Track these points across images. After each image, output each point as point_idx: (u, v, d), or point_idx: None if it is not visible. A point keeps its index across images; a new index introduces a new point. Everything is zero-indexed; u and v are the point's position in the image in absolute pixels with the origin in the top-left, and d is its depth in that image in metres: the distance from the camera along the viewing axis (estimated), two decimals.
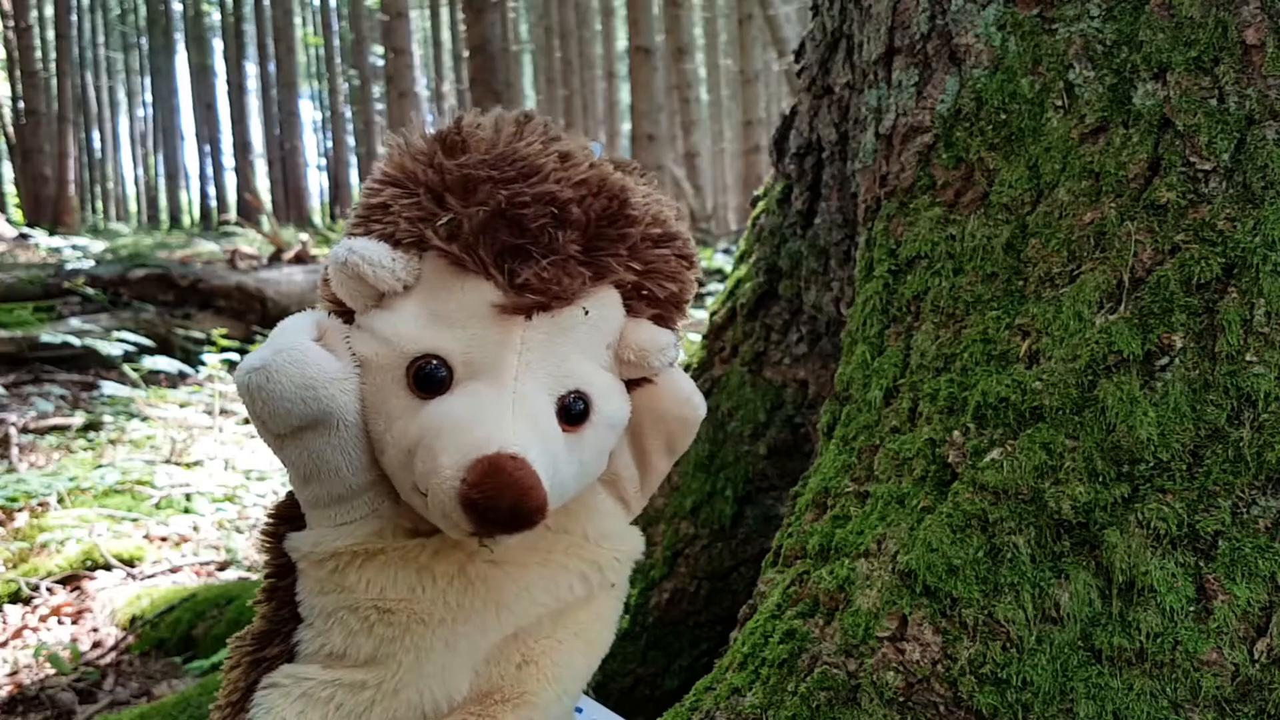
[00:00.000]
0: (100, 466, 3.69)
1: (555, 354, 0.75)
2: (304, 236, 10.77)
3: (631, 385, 0.83)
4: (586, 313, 0.76)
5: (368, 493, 0.77)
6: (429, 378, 0.72)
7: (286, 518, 0.82)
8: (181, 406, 4.43)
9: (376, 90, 22.48)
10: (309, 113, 36.96)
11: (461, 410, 0.71)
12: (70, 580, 2.72)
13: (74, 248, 7.86)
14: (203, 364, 4.52)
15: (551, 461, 0.71)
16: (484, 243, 0.72)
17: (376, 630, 0.77)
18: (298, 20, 30.18)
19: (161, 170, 33.28)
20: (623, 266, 0.77)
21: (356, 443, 0.75)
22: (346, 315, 0.78)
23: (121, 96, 39.93)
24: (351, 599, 0.77)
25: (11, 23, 16.20)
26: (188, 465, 3.78)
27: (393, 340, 0.73)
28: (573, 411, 0.76)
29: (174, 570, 2.79)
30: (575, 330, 0.76)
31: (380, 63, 20.00)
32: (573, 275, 0.74)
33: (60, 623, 2.53)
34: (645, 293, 0.80)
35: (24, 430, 4.39)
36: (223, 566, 2.83)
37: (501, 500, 0.66)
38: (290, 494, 0.83)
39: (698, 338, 1.80)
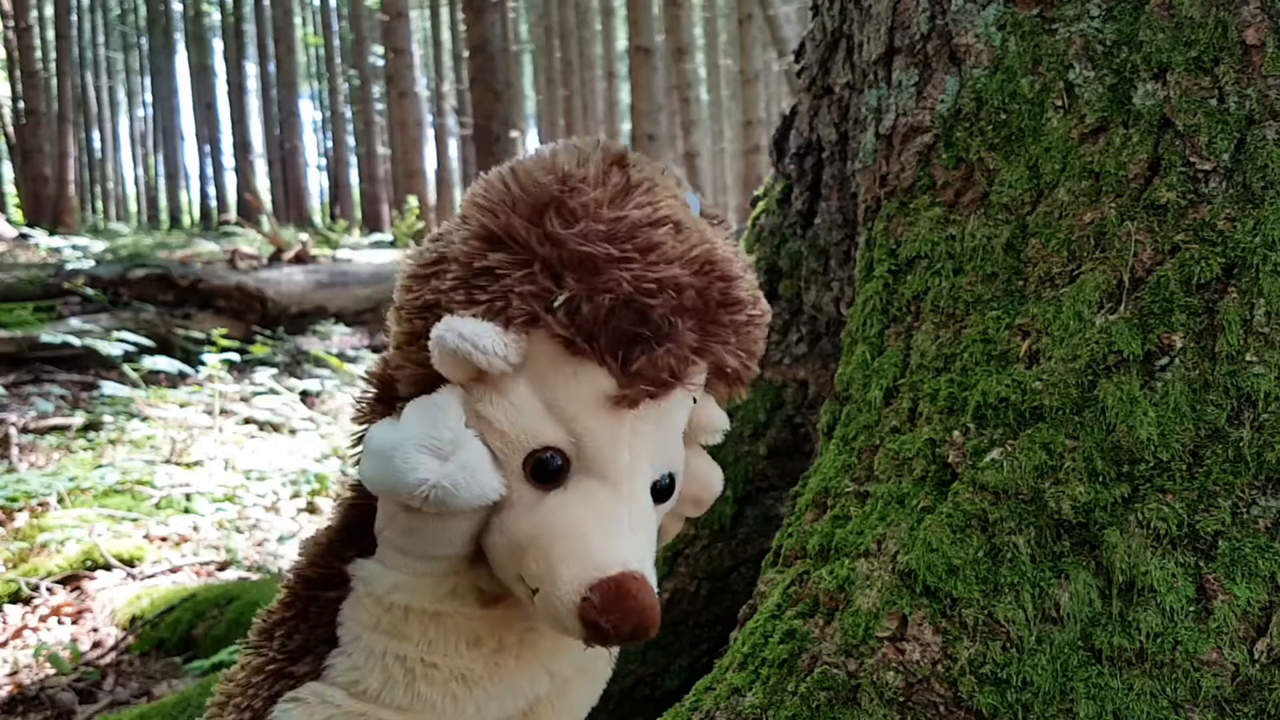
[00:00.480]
0: (100, 466, 3.69)
1: (659, 441, 0.75)
2: (304, 236, 10.78)
3: None
4: (695, 401, 0.76)
5: (459, 556, 0.76)
6: (544, 469, 0.71)
7: (353, 533, 0.80)
8: (181, 406, 4.43)
9: (376, 90, 22.48)
10: (309, 113, 36.96)
11: (580, 519, 0.70)
12: (70, 580, 2.72)
13: (74, 248, 7.87)
14: (203, 364, 4.52)
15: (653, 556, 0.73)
16: (605, 330, 0.70)
17: (418, 684, 0.77)
18: (298, 20, 30.18)
19: (161, 170, 33.28)
20: (730, 353, 0.76)
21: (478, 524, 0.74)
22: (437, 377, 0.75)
23: (121, 96, 39.93)
24: (403, 649, 0.77)
25: (11, 23, 16.20)
26: (188, 465, 3.78)
27: (510, 434, 0.71)
28: (658, 488, 0.76)
29: (174, 570, 2.79)
30: (678, 414, 0.76)
31: (380, 63, 20.00)
32: (687, 363, 0.73)
33: (60, 623, 2.53)
34: (728, 371, 0.78)
35: (24, 430, 4.39)
36: (223, 566, 2.83)
37: (627, 624, 0.67)
38: (352, 507, 0.81)
39: None
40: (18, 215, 16.19)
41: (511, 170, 0.76)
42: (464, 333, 0.69)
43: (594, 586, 0.66)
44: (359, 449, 0.79)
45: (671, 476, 0.77)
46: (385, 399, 0.80)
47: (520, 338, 0.71)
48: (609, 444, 0.72)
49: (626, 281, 0.70)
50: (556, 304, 0.70)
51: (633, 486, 0.73)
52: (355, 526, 0.80)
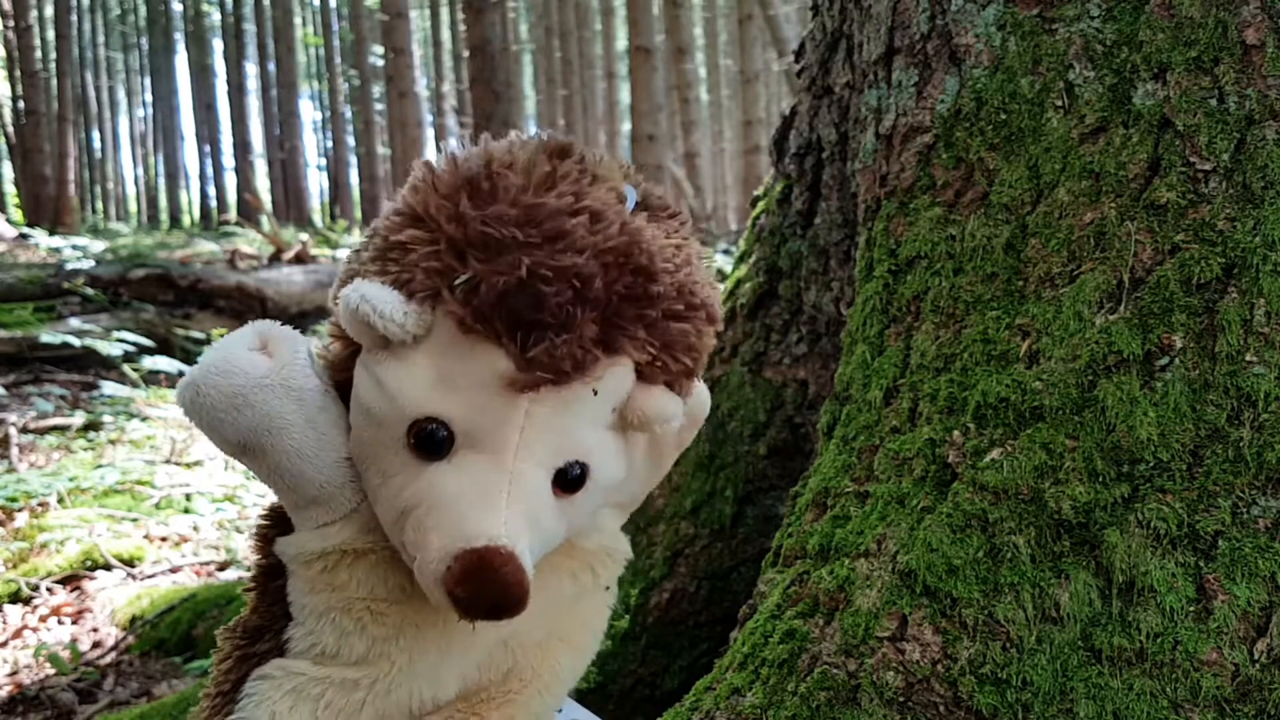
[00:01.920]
0: (100, 466, 3.69)
1: (558, 428, 0.73)
2: (304, 236, 10.77)
3: None
4: (595, 393, 0.74)
5: (343, 492, 0.76)
6: (429, 439, 0.71)
7: (278, 518, 0.82)
8: None
9: (376, 90, 22.47)
10: (309, 113, 36.98)
11: (456, 489, 0.70)
12: (70, 580, 2.72)
13: (74, 248, 7.87)
14: None
15: (541, 540, 0.73)
16: (500, 313, 0.70)
17: (370, 630, 0.77)
18: (298, 20, 30.17)
19: (161, 170, 33.29)
20: (638, 347, 0.74)
21: (315, 444, 0.74)
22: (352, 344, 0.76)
23: (121, 96, 39.94)
24: (343, 598, 0.77)
25: (11, 23, 16.19)
26: (188, 465, 3.78)
27: (398, 399, 0.71)
28: (569, 477, 0.75)
29: (174, 570, 2.79)
30: (581, 404, 0.74)
31: (380, 63, 19.99)
32: (586, 353, 0.71)
33: (60, 623, 2.53)
34: (659, 364, 0.77)
35: (24, 430, 4.39)
36: (223, 566, 2.83)
37: (483, 596, 0.67)
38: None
39: None
40: (18, 215, 16.20)
41: (450, 154, 0.77)
42: (367, 295, 0.70)
43: (457, 556, 0.67)
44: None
45: (583, 466, 0.75)
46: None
47: (424, 310, 0.71)
48: (497, 421, 0.71)
49: (525, 266, 0.69)
50: (457, 283, 0.70)
51: (519, 465, 0.72)
52: (278, 512, 0.82)
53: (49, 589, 2.66)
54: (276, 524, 0.82)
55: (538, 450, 0.73)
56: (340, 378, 0.78)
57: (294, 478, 0.75)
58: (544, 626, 0.87)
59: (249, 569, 0.86)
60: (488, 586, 0.66)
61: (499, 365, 0.70)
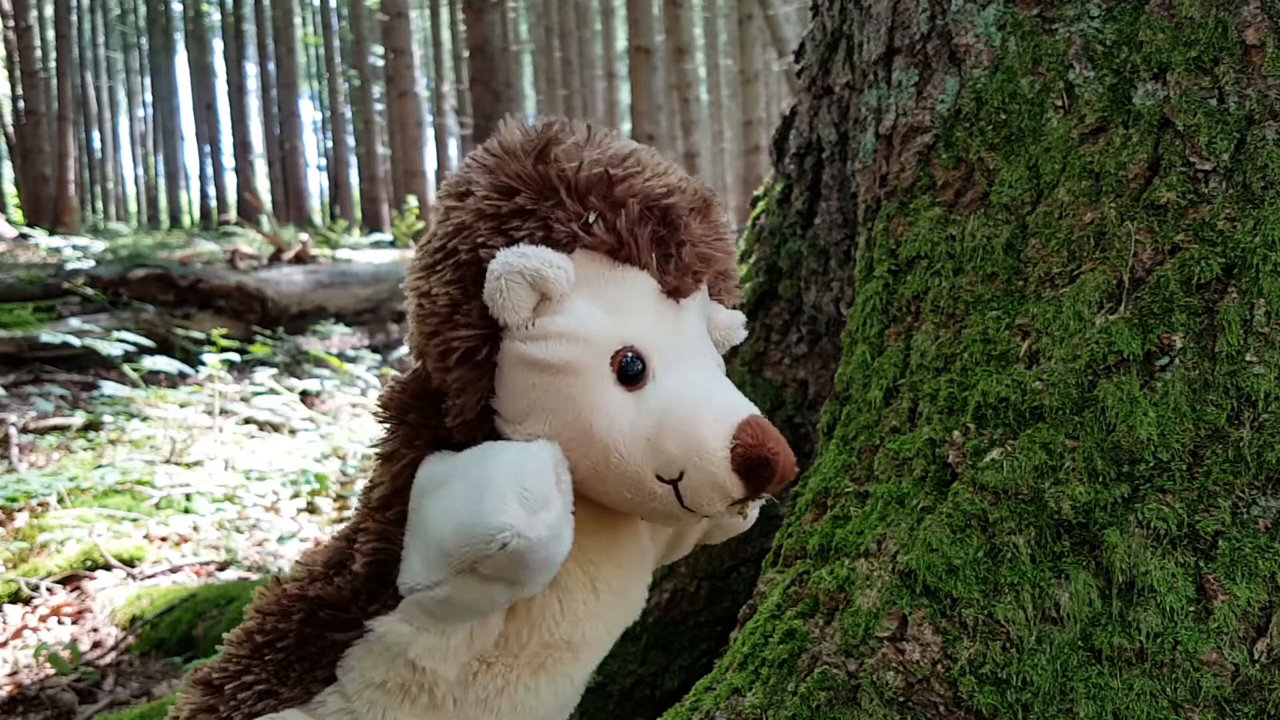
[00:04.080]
0: (100, 466, 3.69)
1: (703, 335, 0.81)
2: (304, 236, 10.77)
3: None
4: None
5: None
6: (628, 369, 0.73)
7: (371, 582, 0.78)
8: (181, 406, 4.43)
9: (376, 90, 22.48)
10: (309, 113, 36.94)
11: (691, 390, 0.73)
12: (70, 580, 2.72)
13: (74, 248, 7.87)
14: (203, 364, 4.51)
15: None
16: (640, 233, 0.75)
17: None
18: (298, 20, 30.16)
19: (161, 170, 33.29)
20: (724, 250, 0.83)
21: None
22: (484, 341, 0.74)
23: (121, 96, 39.91)
24: (400, 716, 0.76)
25: (11, 23, 16.19)
26: (188, 465, 3.78)
27: (592, 338, 0.73)
28: None
29: (174, 570, 2.79)
30: (702, 311, 0.81)
31: (380, 63, 19.99)
32: (705, 258, 0.79)
33: (60, 623, 2.53)
34: (723, 276, 0.85)
35: (24, 430, 4.39)
36: (223, 566, 2.83)
37: (779, 451, 0.69)
38: (376, 553, 0.78)
39: None
40: (18, 215, 16.19)
41: (486, 146, 0.81)
42: (526, 254, 0.72)
43: (739, 430, 0.69)
44: (380, 485, 0.80)
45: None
46: (412, 426, 0.80)
47: (569, 261, 0.74)
48: (674, 331, 0.76)
49: (641, 192, 0.76)
50: (592, 219, 0.75)
51: (706, 362, 0.78)
52: (379, 577, 0.78)
53: (49, 589, 2.66)
54: (379, 588, 0.77)
55: (705, 355, 0.79)
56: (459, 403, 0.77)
57: (484, 612, 0.74)
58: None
59: (254, 570, 0.84)
60: (778, 444, 0.70)
61: (650, 283, 0.76)
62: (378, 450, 0.82)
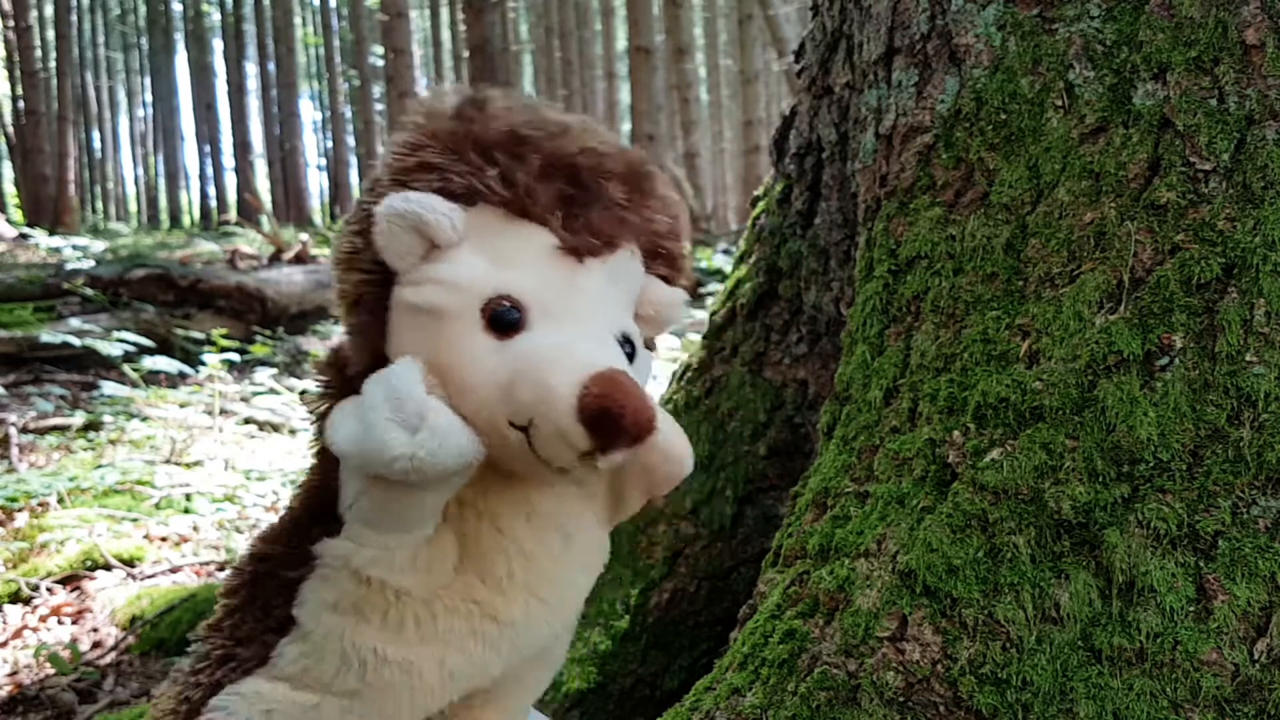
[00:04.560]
0: (100, 466, 3.69)
1: (608, 299, 0.78)
2: (304, 236, 10.76)
3: None
4: (632, 254, 0.80)
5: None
6: (502, 318, 0.73)
7: (312, 514, 0.79)
8: (181, 406, 4.42)
9: (376, 90, 22.47)
10: (309, 113, 36.94)
11: (555, 341, 0.72)
12: (70, 580, 2.72)
13: (74, 248, 7.86)
14: (203, 364, 4.51)
15: None
16: (542, 190, 0.75)
17: (368, 674, 0.76)
18: (298, 20, 30.16)
19: (161, 170, 33.29)
20: (658, 226, 0.81)
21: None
22: (378, 286, 0.76)
23: (121, 96, 39.90)
24: (361, 634, 0.76)
25: (11, 23, 16.19)
26: (188, 465, 3.78)
27: (464, 284, 0.73)
28: (623, 351, 0.79)
29: (174, 570, 2.79)
30: (620, 280, 0.79)
31: (380, 63, 19.98)
32: (623, 222, 0.78)
33: (60, 623, 2.53)
34: (662, 251, 0.83)
35: (24, 430, 4.39)
36: (223, 566, 2.83)
37: (627, 405, 0.67)
38: (313, 488, 0.81)
39: (698, 338, 1.80)
40: (18, 215, 16.19)
41: (426, 97, 0.83)
42: (411, 199, 0.73)
43: (590, 380, 0.67)
44: (320, 439, 0.79)
45: (630, 343, 0.79)
46: (340, 384, 0.80)
47: (460, 211, 0.75)
48: (563, 288, 0.75)
49: (551, 151, 0.76)
50: (493, 175, 0.75)
51: (597, 323, 0.76)
52: (318, 507, 0.79)
53: (49, 589, 2.66)
54: (319, 518, 0.78)
55: (601, 317, 0.77)
56: (361, 363, 0.77)
57: (423, 521, 0.75)
58: (527, 655, 0.85)
59: (237, 564, 0.84)
60: (628, 396, 0.67)
61: (547, 239, 0.75)
62: (317, 409, 0.83)
